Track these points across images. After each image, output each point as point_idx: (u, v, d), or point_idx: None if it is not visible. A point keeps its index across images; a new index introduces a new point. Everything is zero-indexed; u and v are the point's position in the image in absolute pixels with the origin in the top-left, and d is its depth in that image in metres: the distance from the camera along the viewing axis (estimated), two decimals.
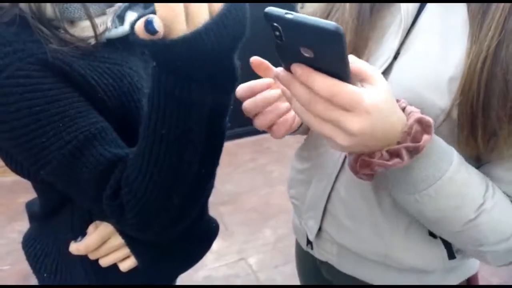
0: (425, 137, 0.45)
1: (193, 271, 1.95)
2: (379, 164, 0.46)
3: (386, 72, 0.58)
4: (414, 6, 0.56)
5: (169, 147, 0.46)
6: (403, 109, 0.48)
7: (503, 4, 0.49)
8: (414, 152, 0.46)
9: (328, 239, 0.73)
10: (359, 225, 0.66)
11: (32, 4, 0.49)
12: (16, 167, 0.58)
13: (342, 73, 0.41)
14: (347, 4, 0.61)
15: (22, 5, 0.49)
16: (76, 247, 0.62)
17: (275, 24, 0.39)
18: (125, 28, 0.58)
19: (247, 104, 0.57)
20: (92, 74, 0.52)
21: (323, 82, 0.40)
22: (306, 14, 0.66)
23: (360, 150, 0.47)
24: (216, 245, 2.12)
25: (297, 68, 0.41)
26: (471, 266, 0.71)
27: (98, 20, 0.54)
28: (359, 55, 0.60)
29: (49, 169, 0.50)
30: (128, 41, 0.57)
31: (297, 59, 0.41)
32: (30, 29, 0.49)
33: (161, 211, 0.52)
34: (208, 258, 2.04)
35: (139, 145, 0.48)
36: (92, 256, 0.63)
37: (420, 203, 0.51)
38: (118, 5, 0.57)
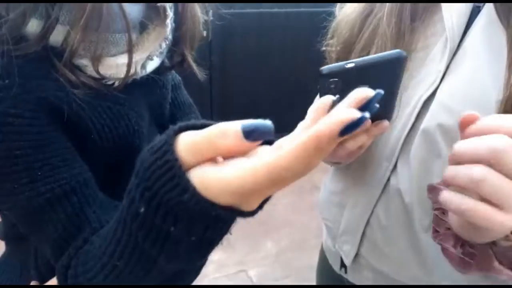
0: None
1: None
2: None
3: (432, 94, 0.55)
4: (460, 27, 0.54)
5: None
6: None
7: None
8: None
9: (365, 264, 0.70)
10: (400, 253, 0.63)
11: (69, 40, 0.44)
12: None
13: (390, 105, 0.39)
14: (384, 17, 0.57)
15: (54, 40, 0.45)
16: None
17: (332, 79, 0.36)
18: (145, 71, 0.55)
19: None
20: (90, 114, 0.49)
21: None
22: (345, 14, 0.65)
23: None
24: (216, 256, 2.13)
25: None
26: None
27: (121, 60, 0.49)
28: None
29: (12, 212, 0.46)
30: (134, 81, 0.53)
31: None
32: (47, 65, 0.45)
33: None
34: (209, 268, 2.03)
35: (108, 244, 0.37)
36: None
37: None
38: (147, 54, 0.53)
